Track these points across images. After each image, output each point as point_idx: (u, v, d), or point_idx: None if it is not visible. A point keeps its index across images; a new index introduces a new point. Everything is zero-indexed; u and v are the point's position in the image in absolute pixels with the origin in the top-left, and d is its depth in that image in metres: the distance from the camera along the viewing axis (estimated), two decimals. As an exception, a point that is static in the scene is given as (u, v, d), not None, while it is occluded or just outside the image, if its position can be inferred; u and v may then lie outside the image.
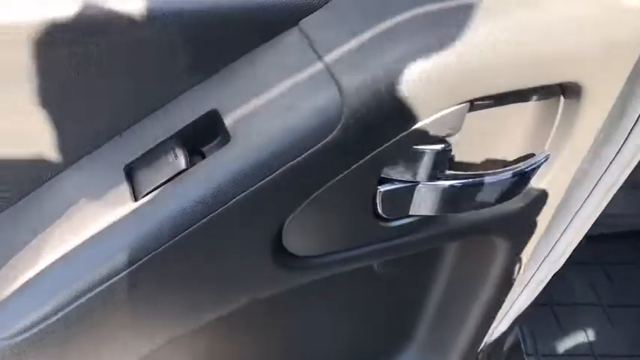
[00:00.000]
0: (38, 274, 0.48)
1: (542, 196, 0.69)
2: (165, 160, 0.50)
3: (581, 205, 0.76)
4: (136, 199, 0.50)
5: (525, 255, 0.83)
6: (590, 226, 0.79)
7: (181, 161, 0.50)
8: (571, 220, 0.78)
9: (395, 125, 0.50)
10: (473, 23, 0.49)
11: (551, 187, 0.68)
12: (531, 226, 0.75)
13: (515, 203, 0.68)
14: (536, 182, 0.67)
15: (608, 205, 0.76)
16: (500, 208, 0.68)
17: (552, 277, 0.90)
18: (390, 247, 0.63)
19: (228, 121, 0.50)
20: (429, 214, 0.61)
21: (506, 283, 0.85)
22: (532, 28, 0.51)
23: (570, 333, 1.42)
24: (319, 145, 0.47)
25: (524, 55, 0.50)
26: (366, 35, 0.49)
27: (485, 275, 0.82)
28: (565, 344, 1.40)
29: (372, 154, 0.51)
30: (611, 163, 0.69)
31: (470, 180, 0.59)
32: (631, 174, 0.71)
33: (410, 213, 0.60)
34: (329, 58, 0.49)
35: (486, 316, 0.92)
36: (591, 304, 1.46)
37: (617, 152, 0.67)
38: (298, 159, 0.48)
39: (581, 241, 0.83)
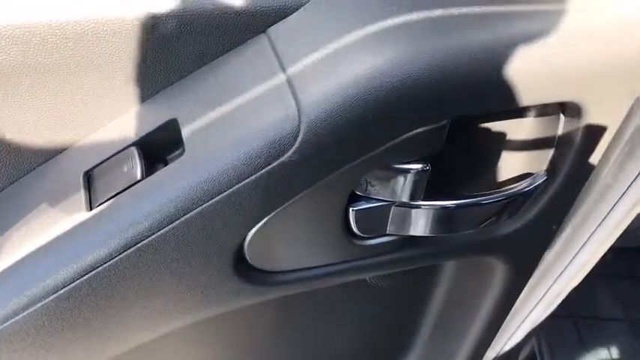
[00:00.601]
0: None
1: (542, 217, 0.64)
2: (122, 169, 0.49)
3: (602, 221, 0.71)
4: (91, 208, 0.49)
5: (531, 272, 0.78)
6: (613, 240, 0.74)
7: (137, 171, 0.48)
8: (591, 235, 0.73)
9: (360, 144, 0.46)
10: (453, 36, 0.45)
11: (552, 207, 0.63)
12: (532, 247, 0.70)
13: (510, 225, 0.64)
14: (535, 202, 0.62)
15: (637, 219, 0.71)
16: (494, 230, 0.64)
17: (572, 290, 0.85)
18: (368, 265, 0.60)
19: (185, 131, 0.48)
20: (408, 234, 0.57)
21: (506, 302, 0.80)
22: (523, 45, 0.46)
23: (591, 347, 1.35)
24: (275, 163, 0.44)
25: (512, 72, 0.46)
26: (334, 46, 0.46)
27: (483, 293, 0.78)
28: (584, 359, 1.34)
29: (338, 172, 0.48)
30: (637, 176, 0.63)
31: (452, 202, 0.55)
32: None
33: (387, 232, 0.57)
34: (292, 70, 0.46)
35: (487, 332, 0.87)
36: (617, 319, 1.38)
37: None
38: (252, 177, 0.45)
39: (605, 254, 0.77)
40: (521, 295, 0.83)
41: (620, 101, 0.52)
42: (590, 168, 0.60)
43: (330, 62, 0.45)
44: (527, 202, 0.61)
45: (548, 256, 0.77)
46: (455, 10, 0.46)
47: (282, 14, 0.50)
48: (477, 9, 0.47)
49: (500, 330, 0.89)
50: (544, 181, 0.58)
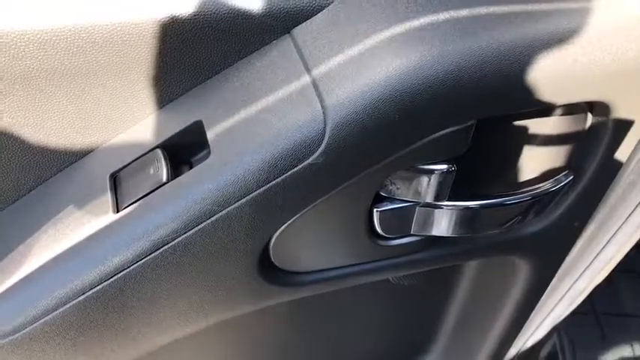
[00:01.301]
0: (22, 281, 0.49)
1: (567, 216, 0.63)
2: (148, 172, 0.49)
3: (627, 218, 0.69)
4: (118, 210, 0.49)
5: (555, 270, 0.77)
6: (638, 237, 0.73)
7: (163, 174, 0.48)
8: (615, 232, 0.72)
9: (386, 146, 0.46)
10: (479, 36, 0.44)
11: (578, 206, 0.62)
12: (557, 246, 0.70)
13: (536, 224, 0.63)
14: (561, 201, 0.61)
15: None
16: (519, 229, 0.63)
17: (595, 287, 0.84)
18: (392, 265, 0.60)
19: (210, 134, 0.48)
20: (433, 234, 0.57)
21: (529, 301, 0.79)
22: (550, 44, 0.45)
23: (614, 345, 1.33)
24: (300, 166, 0.44)
25: (540, 72, 0.45)
26: (359, 48, 0.45)
27: (506, 292, 0.77)
28: (607, 356, 1.32)
29: (363, 173, 0.47)
30: None
31: (477, 203, 0.54)
32: None
33: (412, 232, 0.57)
34: (317, 72, 0.46)
35: (509, 331, 0.87)
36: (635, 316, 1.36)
37: None
38: (277, 180, 0.45)
39: (629, 251, 0.76)
40: (547, 291, 0.83)
41: None
42: (617, 166, 0.59)
43: (355, 64, 0.45)
44: (553, 202, 0.60)
45: (572, 252, 0.76)
46: (481, 10, 0.45)
47: (306, 15, 0.49)
48: (503, 8, 0.46)
49: (523, 327, 0.88)
50: (570, 180, 0.58)
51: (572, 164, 0.58)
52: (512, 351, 1.01)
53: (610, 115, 0.51)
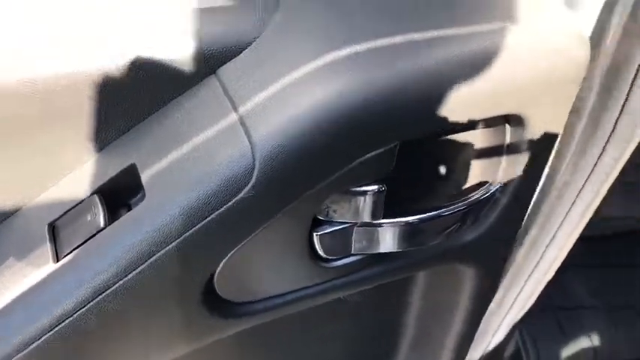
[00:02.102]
0: None
1: (501, 221, 0.66)
2: (85, 219, 0.50)
3: (565, 217, 0.73)
4: (58, 259, 0.49)
5: (499, 274, 0.80)
6: (578, 234, 0.77)
7: (100, 219, 0.49)
8: (555, 233, 0.76)
9: (314, 174, 0.48)
10: (398, 63, 0.47)
11: (509, 211, 0.65)
12: (497, 251, 0.73)
13: (473, 232, 0.66)
14: (493, 208, 0.64)
15: (604, 209, 0.74)
16: (458, 238, 0.66)
17: (549, 284, 0.88)
18: (338, 285, 0.61)
19: (144, 176, 0.49)
20: (374, 252, 0.59)
21: (479, 306, 0.82)
22: (467, 65, 0.48)
23: (573, 337, 1.38)
24: (232, 201, 0.46)
25: (458, 92, 0.48)
26: (282, 81, 0.47)
27: (457, 299, 0.80)
28: (568, 350, 1.37)
29: (297, 201, 0.49)
30: (591, 172, 0.66)
31: (413, 218, 0.57)
32: (625, 176, 0.68)
33: (353, 252, 0.59)
34: (244, 109, 0.48)
35: (465, 337, 0.89)
36: (595, 307, 1.42)
37: (595, 165, 0.65)
38: (212, 215, 0.46)
39: (577, 246, 0.80)
40: (498, 295, 0.86)
41: (558, 108, 0.55)
42: (540, 172, 0.63)
43: (279, 97, 0.47)
44: (485, 209, 0.63)
45: (519, 256, 0.80)
46: (400, 38, 0.48)
47: (231, 54, 0.51)
48: (422, 34, 0.49)
49: (482, 330, 0.91)
50: (499, 187, 0.61)
51: (499, 173, 0.61)
52: (476, 354, 1.04)
53: (525, 127, 0.55)
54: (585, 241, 1.36)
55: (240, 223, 0.48)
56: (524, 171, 0.61)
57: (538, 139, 0.57)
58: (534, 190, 0.66)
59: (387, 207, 0.56)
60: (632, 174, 1.10)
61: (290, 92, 0.47)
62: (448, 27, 0.49)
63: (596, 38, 0.54)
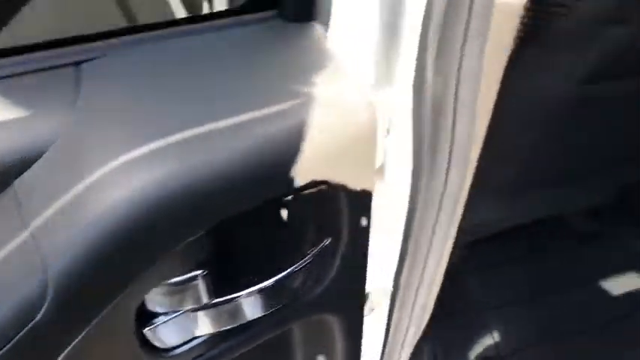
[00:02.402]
0: None
1: (342, 270, 0.68)
2: None
3: (431, 243, 0.76)
4: None
5: (361, 315, 0.82)
6: (449, 250, 0.80)
7: None
8: (425, 259, 0.78)
9: (119, 276, 0.47)
10: (200, 153, 0.48)
11: (347, 260, 0.67)
12: (350, 293, 0.74)
13: (322, 284, 0.67)
14: (333, 260, 0.66)
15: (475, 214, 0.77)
16: (310, 292, 0.67)
17: (446, 292, 0.91)
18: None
19: None
20: (220, 329, 0.59)
21: (355, 346, 0.83)
22: (275, 142, 0.50)
23: (478, 337, 1.44)
24: (29, 327, 0.44)
25: (269, 170, 0.50)
26: (76, 189, 0.46)
27: (332, 346, 0.81)
28: (475, 349, 1.43)
29: (109, 307, 0.48)
30: (442, 196, 0.69)
31: (242, 292, 0.57)
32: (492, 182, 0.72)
33: (197, 335, 0.58)
34: (35, 224, 0.46)
35: None
36: (491, 306, 1.49)
37: (445, 186, 0.68)
38: (8, 346, 0.44)
39: (456, 253, 0.83)
40: (394, 317, 0.88)
41: (361, 167, 0.58)
42: (361, 223, 0.65)
43: (72, 206, 0.46)
44: (325, 262, 0.65)
45: (402, 283, 0.82)
46: (198, 130, 0.49)
47: (26, 165, 0.49)
48: (228, 121, 0.50)
49: (390, 351, 0.92)
50: (331, 242, 0.63)
51: (329, 230, 0.63)
52: (387, 378, 1.05)
53: (338, 186, 0.57)
54: (470, 246, 1.43)
55: (40, 351, 0.46)
56: (349, 224, 0.63)
57: (353, 195, 0.59)
58: (367, 240, 0.68)
59: (227, 282, 0.56)
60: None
61: (83, 199, 0.46)
62: (258, 109, 0.51)
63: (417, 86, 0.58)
